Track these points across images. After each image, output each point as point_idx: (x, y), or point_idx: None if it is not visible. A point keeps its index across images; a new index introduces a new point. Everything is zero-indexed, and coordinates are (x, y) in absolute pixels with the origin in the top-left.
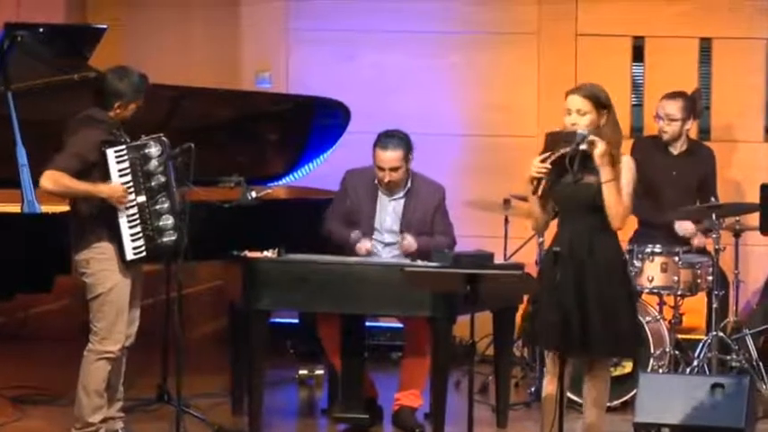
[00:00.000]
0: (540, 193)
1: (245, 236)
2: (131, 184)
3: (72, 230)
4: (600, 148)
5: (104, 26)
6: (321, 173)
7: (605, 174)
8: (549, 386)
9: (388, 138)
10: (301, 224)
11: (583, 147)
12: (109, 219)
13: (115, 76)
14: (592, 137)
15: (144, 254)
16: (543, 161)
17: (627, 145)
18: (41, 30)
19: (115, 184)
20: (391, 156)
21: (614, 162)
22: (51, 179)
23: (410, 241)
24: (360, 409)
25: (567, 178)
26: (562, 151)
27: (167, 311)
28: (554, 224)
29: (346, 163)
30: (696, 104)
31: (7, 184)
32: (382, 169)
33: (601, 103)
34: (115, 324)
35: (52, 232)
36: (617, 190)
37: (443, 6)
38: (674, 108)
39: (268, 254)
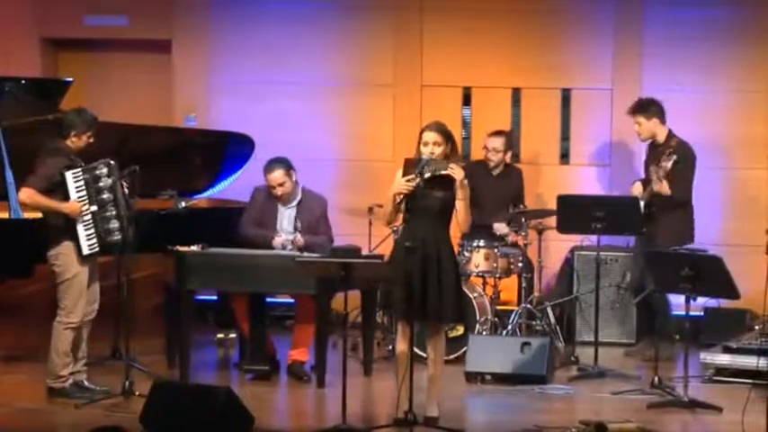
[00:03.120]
0: (398, 201)
1: (177, 234)
2: (86, 197)
3: (45, 233)
4: (460, 175)
5: (71, 79)
6: (235, 188)
7: (461, 194)
8: (400, 345)
9: (272, 163)
10: (219, 226)
11: (428, 174)
12: (70, 225)
13: (74, 112)
14: (453, 165)
15: (97, 249)
16: (408, 181)
17: None
18: (24, 81)
19: (73, 203)
20: (276, 175)
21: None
22: (26, 195)
23: (300, 239)
24: (263, 363)
25: (419, 192)
26: (428, 175)
27: (119, 291)
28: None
29: (254, 180)
30: (511, 139)
31: None
32: (273, 186)
33: (448, 135)
34: (77, 302)
35: (31, 232)
36: (466, 205)
37: (323, 64)
38: (498, 143)
39: (194, 248)
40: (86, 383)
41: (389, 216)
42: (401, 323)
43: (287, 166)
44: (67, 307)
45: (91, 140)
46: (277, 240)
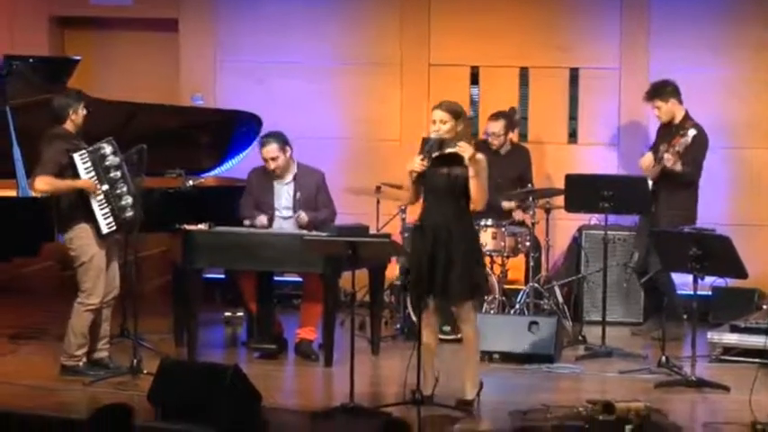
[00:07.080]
0: (415, 180)
1: (185, 213)
2: (95, 177)
3: (56, 216)
4: (468, 153)
5: (78, 57)
6: (242, 167)
7: (472, 171)
8: (426, 336)
9: (266, 137)
10: (226, 205)
11: (436, 153)
12: (84, 206)
13: (57, 97)
14: (461, 143)
15: (114, 227)
16: (423, 160)
17: None
18: (31, 60)
19: (86, 180)
20: (269, 149)
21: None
22: (44, 182)
23: (303, 216)
24: (270, 341)
25: (427, 171)
26: (436, 154)
27: (126, 270)
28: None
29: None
30: (513, 118)
31: (5, 176)
32: (266, 160)
33: (457, 114)
34: (96, 284)
35: (39, 211)
36: (479, 182)
37: (330, 44)
38: (497, 127)
39: (201, 226)
40: (108, 362)
41: (409, 196)
42: (426, 312)
43: (281, 140)
44: (88, 289)
45: (86, 112)
46: (258, 220)
